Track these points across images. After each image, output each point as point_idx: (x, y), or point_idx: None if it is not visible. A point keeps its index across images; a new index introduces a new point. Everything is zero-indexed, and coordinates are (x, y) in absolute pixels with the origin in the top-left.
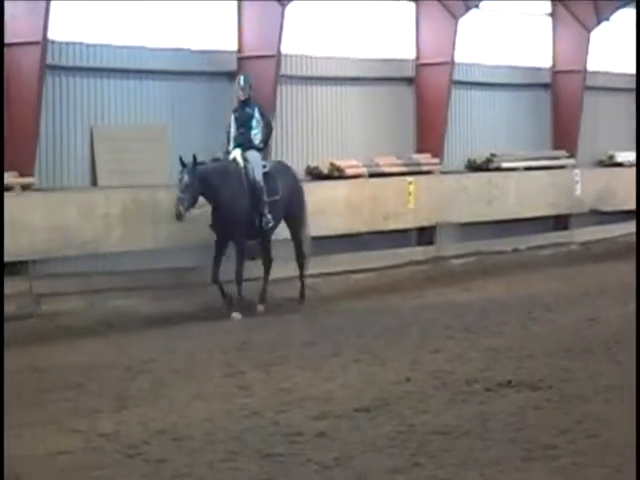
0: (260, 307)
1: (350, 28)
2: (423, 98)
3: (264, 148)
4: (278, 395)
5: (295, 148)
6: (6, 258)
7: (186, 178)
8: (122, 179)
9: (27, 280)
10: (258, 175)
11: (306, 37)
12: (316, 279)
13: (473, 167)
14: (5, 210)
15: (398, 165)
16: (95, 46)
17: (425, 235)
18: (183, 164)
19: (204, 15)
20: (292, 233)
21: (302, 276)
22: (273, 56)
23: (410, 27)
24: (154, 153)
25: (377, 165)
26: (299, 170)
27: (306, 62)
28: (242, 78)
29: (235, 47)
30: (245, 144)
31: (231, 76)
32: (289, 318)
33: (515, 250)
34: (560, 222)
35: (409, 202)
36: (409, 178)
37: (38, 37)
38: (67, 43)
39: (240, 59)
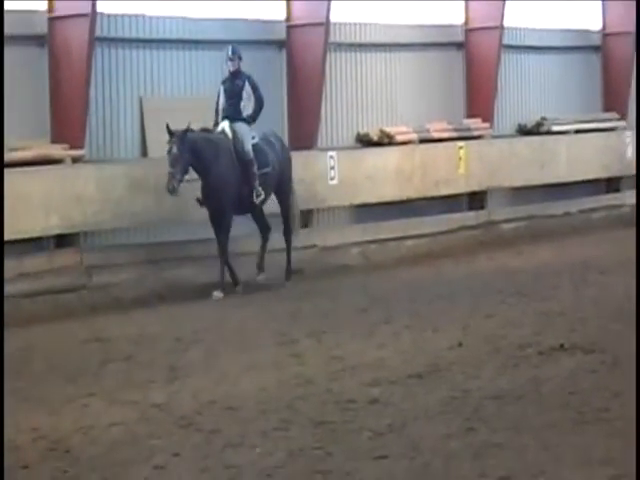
0: (261, 276)
1: None
2: (473, 63)
3: (253, 122)
4: (330, 363)
5: (345, 115)
6: (57, 230)
7: (175, 149)
8: None
9: (78, 252)
10: (247, 147)
11: (355, 4)
12: (368, 246)
13: (524, 131)
14: (56, 182)
15: (448, 130)
16: (144, 17)
17: (476, 200)
18: (170, 133)
19: None
20: (282, 207)
21: (289, 252)
22: (322, 24)
23: None
24: (204, 124)
25: (427, 131)
26: (349, 137)
27: (355, 29)
28: (230, 49)
29: (284, 16)
30: (234, 116)
31: (280, 45)
32: (340, 285)
33: (566, 213)
34: (612, 185)
35: (460, 167)
36: (460, 143)
37: (87, 9)
38: (116, 15)
39: (289, 27)
